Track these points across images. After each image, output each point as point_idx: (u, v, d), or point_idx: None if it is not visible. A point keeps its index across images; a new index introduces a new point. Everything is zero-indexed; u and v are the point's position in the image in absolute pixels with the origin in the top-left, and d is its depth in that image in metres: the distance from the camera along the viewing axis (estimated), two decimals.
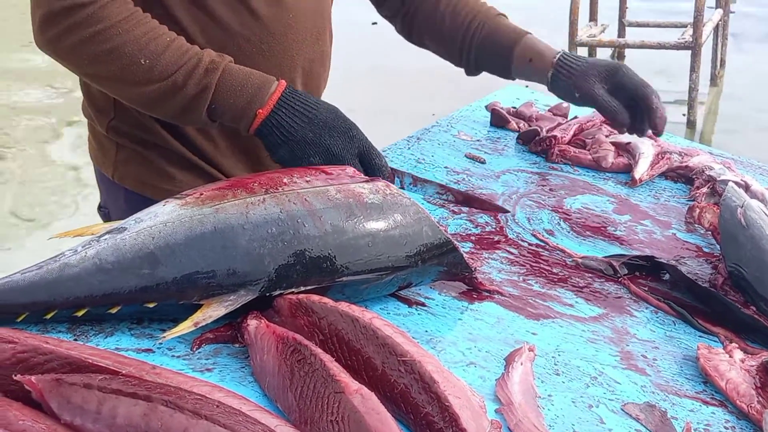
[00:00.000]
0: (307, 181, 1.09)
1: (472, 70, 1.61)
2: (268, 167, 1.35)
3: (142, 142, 1.40)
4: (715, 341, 1.13)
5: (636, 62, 6.33)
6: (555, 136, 1.62)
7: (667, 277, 1.24)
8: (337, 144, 1.21)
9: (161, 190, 1.37)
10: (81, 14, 1.19)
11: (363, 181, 1.12)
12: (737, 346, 1.09)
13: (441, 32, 1.60)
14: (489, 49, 1.56)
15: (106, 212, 1.51)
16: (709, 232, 1.36)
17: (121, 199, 1.44)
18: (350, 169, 1.15)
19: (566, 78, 1.49)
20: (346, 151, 1.22)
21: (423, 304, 1.13)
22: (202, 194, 1.04)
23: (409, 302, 1.13)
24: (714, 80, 6.14)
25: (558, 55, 1.51)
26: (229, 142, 1.41)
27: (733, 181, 1.46)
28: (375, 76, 5.91)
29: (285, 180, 1.08)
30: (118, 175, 1.43)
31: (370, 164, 1.23)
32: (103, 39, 1.19)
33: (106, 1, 1.20)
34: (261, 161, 1.40)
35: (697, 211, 1.39)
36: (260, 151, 1.33)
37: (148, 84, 1.21)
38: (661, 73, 6.09)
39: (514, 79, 1.60)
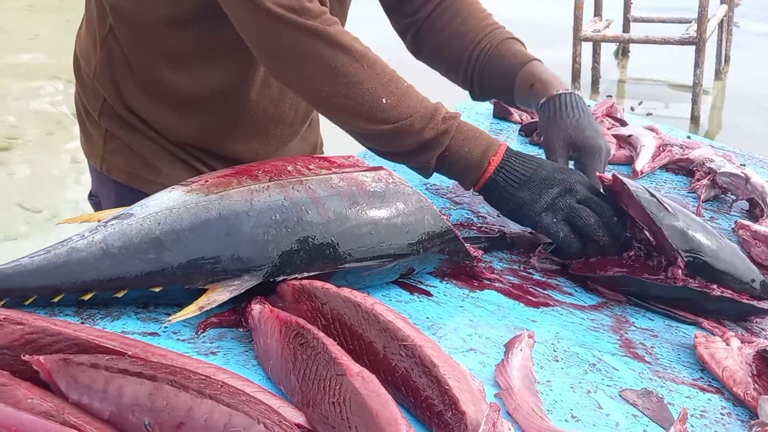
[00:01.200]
0: (310, 169, 1.11)
1: (477, 96, 1.52)
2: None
3: (131, 131, 1.41)
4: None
5: (642, 58, 6.34)
6: None
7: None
8: (557, 201, 1.22)
9: (148, 182, 1.38)
10: (326, 46, 1.19)
11: (366, 170, 1.14)
12: (734, 334, 1.10)
13: (448, 55, 1.50)
14: (493, 75, 1.45)
15: (96, 201, 1.52)
16: None
17: (110, 190, 1.46)
18: (353, 158, 1.17)
19: (547, 117, 1.35)
20: (572, 211, 1.22)
21: (428, 294, 1.14)
22: (207, 181, 1.06)
23: (411, 289, 1.14)
24: (718, 75, 6.14)
25: (561, 92, 1.36)
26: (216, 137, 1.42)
27: (733, 173, 1.48)
28: None
29: (289, 168, 1.10)
30: (106, 166, 1.45)
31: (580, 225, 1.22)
32: (346, 72, 1.20)
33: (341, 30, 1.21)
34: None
35: None
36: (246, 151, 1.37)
37: (385, 123, 1.22)
38: (667, 68, 6.10)
39: (517, 107, 1.54)
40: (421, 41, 1.52)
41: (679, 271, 1.14)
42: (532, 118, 1.73)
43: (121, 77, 1.39)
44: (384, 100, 1.21)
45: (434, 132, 1.23)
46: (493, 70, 1.44)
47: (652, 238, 1.19)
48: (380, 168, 1.15)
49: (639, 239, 1.21)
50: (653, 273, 1.17)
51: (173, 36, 1.32)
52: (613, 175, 1.22)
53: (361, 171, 1.13)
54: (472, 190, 1.29)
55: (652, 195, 1.19)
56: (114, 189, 1.46)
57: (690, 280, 1.14)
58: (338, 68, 1.20)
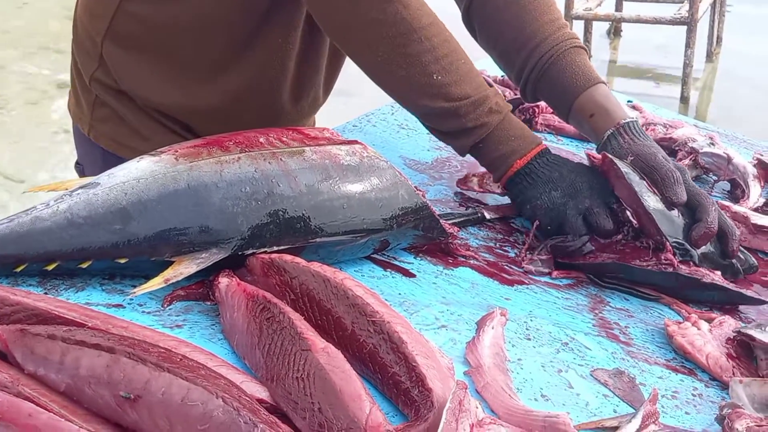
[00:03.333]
0: (283, 141, 1.09)
1: (528, 98, 1.38)
2: None
3: (120, 99, 1.38)
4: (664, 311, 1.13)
5: (634, 37, 6.31)
6: (538, 105, 1.61)
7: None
8: (561, 213, 1.19)
9: (137, 151, 1.35)
10: (388, 10, 1.16)
11: (340, 143, 1.12)
12: (696, 314, 1.09)
13: (502, 48, 1.37)
14: (549, 90, 1.33)
15: (81, 169, 1.50)
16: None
17: (97, 157, 1.44)
18: (328, 131, 1.15)
19: (625, 142, 1.23)
20: (574, 216, 1.19)
21: (402, 270, 1.12)
22: (177, 151, 1.04)
23: (384, 265, 1.13)
24: (710, 57, 6.12)
25: (629, 120, 1.26)
26: (210, 111, 1.40)
27: (715, 153, 1.46)
28: None
29: (261, 140, 1.08)
30: (94, 133, 1.43)
31: (595, 224, 1.18)
32: (403, 42, 1.17)
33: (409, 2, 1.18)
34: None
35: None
36: (239, 123, 1.33)
37: (434, 100, 1.20)
38: (658, 49, 6.08)
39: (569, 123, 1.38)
40: (473, 20, 1.41)
41: (671, 255, 1.13)
42: (515, 95, 1.71)
43: (131, 49, 1.35)
44: (435, 77, 1.19)
45: (475, 122, 1.21)
46: (550, 85, 1.32)
47: (635, 220, 1.17)
48: (355, 142, 1.13)
49: (622, 220, 1.19)
50: (643, 258, 1.14)
51: (202, 11, 1.29)
52: (603, 154, 1.21)
53: (335, 144, 1.11)
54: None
55: (642, 177, 1.18)
56: (102, 157, 1.43)
57: (682, 267, 1.13)
58: (396, 37, 1.17)
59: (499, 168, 1.24)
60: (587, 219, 1.18)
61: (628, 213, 1.18)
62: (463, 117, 1.21)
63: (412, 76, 1.19)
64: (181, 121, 1.39)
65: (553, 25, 1.33)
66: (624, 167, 1.18)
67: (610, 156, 1.19)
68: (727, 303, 1.14)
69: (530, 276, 1.16)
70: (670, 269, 1.12)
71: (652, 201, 1.15)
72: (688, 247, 1.14)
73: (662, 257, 1.13)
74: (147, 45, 1.35)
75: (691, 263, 1.14)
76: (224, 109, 1.37)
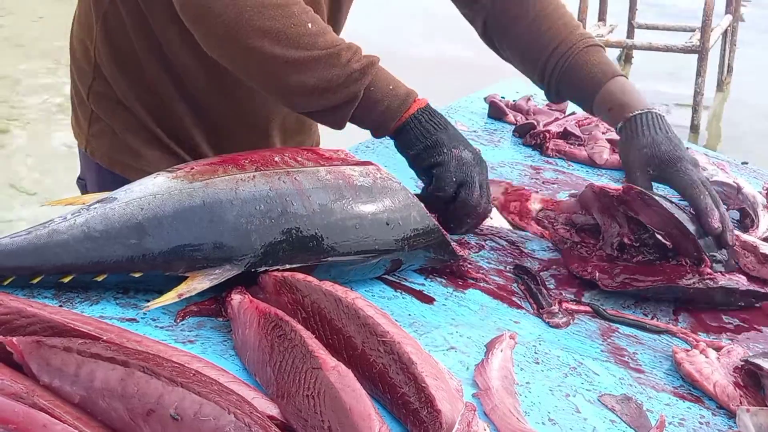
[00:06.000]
0: (298, 161, 1.10)
1: (553, 98, 1.47)
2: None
3: (116, 111, 1.39)
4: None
5: (645, 65, 6.32)
6: (549, 131, 1.63)
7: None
8: (467, 155, 1.21)
9: (129, 167, 1.37)
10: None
11: (354, 164, 1.13)
12: (704, 342, 1.09)
13: (523, 54, 1.46)
14: (571, 87, 1.41)
15: (83, 184, 1.52)
16: None
17: (94, 173, 1.45)
18: (342, 151, 1.16)
19: (624, 139, 1.33)
20: (473, 169, 1.20)
21: (429, 299, 1.13)
22: (193, 168, 1.05)
23: (394, 286, 1.14)
24: (720, 86, 6.13)
25: (636, 113, 1.32)
26: (198, 123, 1.40)
27: (725, 183, 1.47)
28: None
29: (276, 159, 1.09)
30: (90, 149, 1.44)
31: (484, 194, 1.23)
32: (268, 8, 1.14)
33: None
34: (226, 147, 1.33)
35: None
36: (225, 138, 1.35)
37: (313, 48, 1.16)
38: (669, 76, 6.09)
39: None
40: (492, 34, 1.48)
41: (708, 269, 1.18)
42: (527, 119, 1.72)
43: (120, 52, 1.36)
44: (310, 26, 1.17)
45: (360, 63, 1.18)
46: (571, 82, 1.40)
47: (668, 242, 1.20)
48: (369, 163, 1.14)
49: (647, 244, 1.22)
50: (684, 276, 1.18)
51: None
52: (626, 186, 1.24)
53: (348, 165, 1.12)
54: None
55: (669, 200, 1.22)
56: (97, 172, 1.45)
57: (719, 280, 1.18)
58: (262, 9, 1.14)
59: (395, 110, 1.20)
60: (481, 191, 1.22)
61: (658, 236, 1.21)
62: (348, 62, 1.17)
63: (288, 26, 1.15)
64: (171, 135, 1.40)
65: (568, 27, 1.42)
66: (656, 194, 1.22)
67: (636, 187, 1.23)
68: (746, 304, 1.20)
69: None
70: (712, 284, 1.17)
71: (689, 224, 1.20)
72: (719, 257, 1.20)
73: (703, 272, 1.18)
74: (132, 48, 1.35)
75: (723, 273, 1.20)
76: (207, 124, 1.39)
